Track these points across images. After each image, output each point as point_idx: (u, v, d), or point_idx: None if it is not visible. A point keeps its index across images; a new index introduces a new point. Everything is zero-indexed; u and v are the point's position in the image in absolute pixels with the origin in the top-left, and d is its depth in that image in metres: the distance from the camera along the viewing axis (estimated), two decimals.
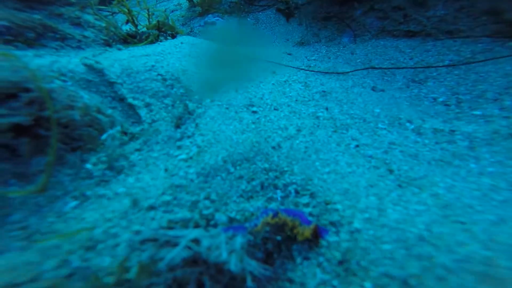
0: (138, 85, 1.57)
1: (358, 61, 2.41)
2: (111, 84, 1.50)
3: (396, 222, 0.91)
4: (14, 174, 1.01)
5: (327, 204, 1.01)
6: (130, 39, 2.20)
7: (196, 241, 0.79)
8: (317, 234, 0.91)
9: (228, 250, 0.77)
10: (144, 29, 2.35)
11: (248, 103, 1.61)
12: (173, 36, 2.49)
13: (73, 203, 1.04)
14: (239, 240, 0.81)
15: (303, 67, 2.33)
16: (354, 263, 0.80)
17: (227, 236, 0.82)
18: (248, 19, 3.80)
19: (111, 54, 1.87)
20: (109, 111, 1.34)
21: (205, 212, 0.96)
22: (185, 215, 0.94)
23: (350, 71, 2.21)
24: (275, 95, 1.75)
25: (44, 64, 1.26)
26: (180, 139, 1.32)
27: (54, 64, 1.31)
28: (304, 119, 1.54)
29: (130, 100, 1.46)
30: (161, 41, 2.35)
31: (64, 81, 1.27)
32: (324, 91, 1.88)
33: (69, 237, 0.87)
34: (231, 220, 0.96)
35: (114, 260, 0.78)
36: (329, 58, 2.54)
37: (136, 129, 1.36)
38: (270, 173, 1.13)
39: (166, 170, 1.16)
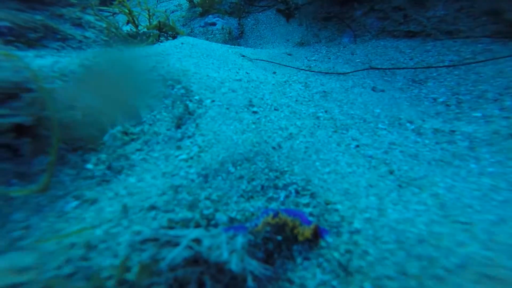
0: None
1: (358, 61, 2.41)
2: None
3: (396, 222, 0.91)
4: (15, 174, 1.01)
5: (327, 204, 1.01)
6: (130, 40, 2.20)
7: (197, 240, 0.79)
8: (317, 234, 0.91)
9: (229, 250, 0.78)
10: (145, 30, 2.36)
11: (248, 103, 1.61)
12: (174, 37, 2.50)
13: (74, 203, 1.04)
14: (240, 240, 0.81)
15: (303, 68, 2.34)
16: (353, 264, 0.80)
17: (228, 236, 0.82)
18: (248, 19, 3.80)
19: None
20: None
21: (205, 212, 0.97)
22: (185, 215, 0.94)
23: (350, 72, 2.22)
24: (275, 96, 1.75)
25: (46, 64, 1.26)
26: (181, 139, 1.33)
27: (56, 65, 1.32)
28: (305, 119, 1.55)
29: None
30: (161, 41, 2.36)
31: (65, 81, 1.28)
32: (324, 92, 1.88)
33: (70, 237, 0.87)
34: (231, 220, 0.96)
35: (115, 260, 0.78)
36: (329, 58, 2.55)
37: (136, 129, 1.36)
38: (271, 173, 1.13)
39: (166, 170, 1.16)
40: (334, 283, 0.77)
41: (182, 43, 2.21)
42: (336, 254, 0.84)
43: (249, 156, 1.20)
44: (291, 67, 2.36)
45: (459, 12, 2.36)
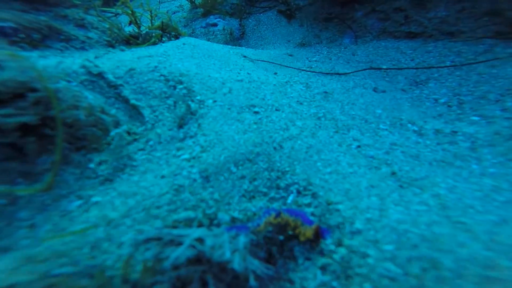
0: (141, 85, 1.59)
1: (359, 62, 2.41)
2: (114, 85, 1.51)
3: (398, 223, 0.91)
4: (20, 173, 1.02)
5: (328, 204, 1.01)
6: (132, 40, 2.22)
7: (200, 240, 0.80)
8: (319, 234, 0.92)
9: (231, 249, 0.78)
10: (147, 30, 2.37)
11: (249, 104, 1.62)
12: (176, 37, 2.51)
13: (78, 202, 1.05)
14: (242, 240, 0.82)
15: (304, 68, 2.34)
16: (354, 264, 0.80)
17: (230, 236, 0.83)
18: (250, 20, 3.81)
19: (114, 55, 1.89)
20: (113, 111, 1.36)
21: (208, 211, 0.97)
22: (188, 214, 0.95)
23: (351, 72, 2.22)
24: (276, 96, 1.76)
25: (50, 64, 1.27)
26: (183, 139, 1.33)
27: (60, 65, 1.33)
28: (306, 120, 1.55)
29: (133, 101, 1.48)
30: (164, 42, 2.37)
31: (69, 81, 1.29)
32: (325, 92, 1.89)
33: (75, 235, 0.88)
34: (233, 219, 0.97)
35: (119, 259, 0.79)
36: (330, 59, 2.55)
37: (139, 129, 1.37)
38: (272, 173, 1.14)
39: (169, 169, 1.17)
40: (335, 283, 0.78)
41: (183, 44, 2.22)
42: (337, 255, 0.85)
43: (251, 156, 1.21)
44: (292, 67, 2.36)
45: (461, 13, 2.36)
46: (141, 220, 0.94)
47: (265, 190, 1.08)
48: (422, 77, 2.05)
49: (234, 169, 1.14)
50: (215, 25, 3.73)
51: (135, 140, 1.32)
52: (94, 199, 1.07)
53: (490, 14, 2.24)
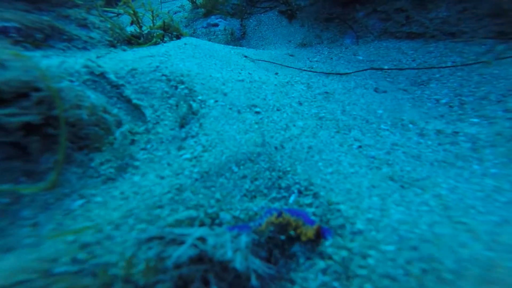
0: (143, 85, 1.59)
1: (360, 62, 2.41)
2: (116, 85, 1.52)
3: (399, 223, 0.91)
4: (24, 172, 1.03)
5: (330, 204, 1.01)
6: (134, 40, 2.22)
7: (202, 239, 0.80)
8: (320, 234, 0.92)
9: (233, 249, 0.79)
10: (149, 30, 2.38)
11: (251, 104, 1.62)
12: (178, 37, 2.51)
13: (80, 201, 1.05)
14: (244, 239, 0.82)
15: (305, 69, 2.34)
16: (355, 265, 0.80)
17: (232, 235, 0.83)
18: (251, 20, 3.82)
19: (116, 55, 1.90)
20: (115, 111, 1.36)
21: (209, 211, 0.98)
22: (190, 213, 0.95)
23: (352, 72, 2.22)
24: (277, 96, 1.76)
25: (53, 64, 1.28)
26: (185, 139, 1.34)
27: (62, 65, 1.34)
28: (307, 120, 1.55)
29: (135, 101, 1.48)
30: (165, 41, 2.38)
31: (71, 81, 1.30)
32: (326, 92, 1.89)
33: (77, 234, 0.88)
34: (235, 219, 0.97)
35: (121, 257, 0.79)
36: (331, 59, 2.55)
37: (141, 128, 1.38)
38: (274, 173, 1.14)
39: (171, 169, 1.17)
40: (335, 284, 0.78)
41: (185, 44, 2.23)
42: (338, 255, 0.85)
43: (252, 156, 1.21)
44: (293, 68, 2.37)
45: (462, 14, 2.36)
46: (143, 219, 0.94)
47: (266, 190, 1.08)
48: (424, 78, 2.05)
49: (235, 169, 1.14)
50: (216, 25, 3.73)
51: (137, 139, 1.33)
52: (96, 198, 1.08)
53: (492, 15, 2.24)
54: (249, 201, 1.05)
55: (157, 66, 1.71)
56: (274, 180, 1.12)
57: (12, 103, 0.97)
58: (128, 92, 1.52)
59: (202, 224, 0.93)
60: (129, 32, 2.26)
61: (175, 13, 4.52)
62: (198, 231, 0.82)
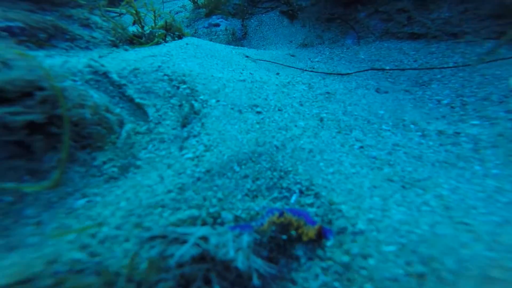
0: (145, 85, 1.60)
1: (361, 63, 2.42)
2: (118, 85, 1.53)
3: (400, 223, 0.91)
4: (27, 170, 1.04)
5: (331, 204, 1.02)
6: (136, 40, 2.23)
7: (204, 238, 0.81)
8: (321, 234, 0.92)
9: (235, 248, 0.79)
10: (151, 30, 2.38)
11: (252, 104, 1.63)
12: (179, 37, 2.52)
13: (83, 199, 1.06)
14: (246, 239, 0.82)
15: (306, 69, 2.35)
16: (356, 265, 0.80)
17: (234, 234, 0.84)
18: (252, 20, 3.82)
19: (118, 54, 1.91)
20: (117, 110, 1.37)
21: (211, 210, 0.98)
22: (192, 212, 0.96)
23: (353, 72, 2.23)
24: (279, 96, 1.76)
25: (56, 64, 1.29)
26: (187, 138, 1.34)
27: (65, 64, 1.34)
28: (308, 120, 1.56)
29: (137, 100, 1.49)
30: (167, 41, 2.39)
31: (74, 80, 1.30)
32: (328, 93, 1.89)
33: (80, 233, 0.89)
34: (237, 218, 0.97)
35: (124, 256, 0.80)
36: (333, 59, 2.56)
37: (143, 128, 1.39)
38: (275, 173, 1.15)
39: (173, 168, 1.18)
40: (336, 284, 0.78)
41: (186, 44, 2.23)
42: (339, 255, 0.85)
43: (254, 155, 1.21)
44: (294, 67, 2.37)
45: (464, 14, 2.36)
46: (146, 218, 0.95)
47: (268, 189, 1.09)
48: (425, 78, 2.05)
49: (237, 169, 1.15)
50: (217, 25, 3.74)
51: (139, 139, 1.33)
52: (99, 197, 1.08)
53: (494, 16, 2.23)
54: (251, 200, 1.05)
55: (159, 66, 1.72)
56: (275, 180, 1.12)
57: (17, 102, 0.98)
58: (130, 91, 1.53)
59: (204, 223, 0.94)
60: (131, 32, 2.26)
61: (177, 13, 4.53)
62: (200, 230, 0.82)
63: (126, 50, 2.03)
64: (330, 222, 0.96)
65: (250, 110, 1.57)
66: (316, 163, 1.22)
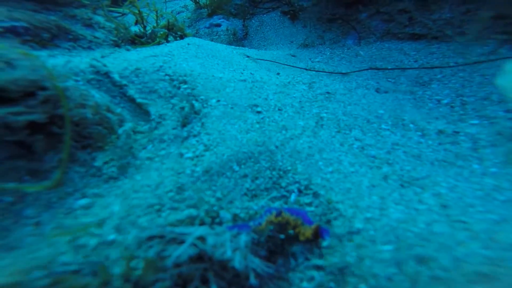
0: (146, 85, 1.61)
1: (362, 63, 2.41)
2: (120, 85, 1.54)
3: (398, 222, 0.92)
4: (28, 170, 1.05)
5: (329, 203, 1.02)
6: (138, 40, 2.25)
7: (202, 238, 0.81)
8: (318, 234, 0.92)
9: (232, 248, 0.79)
10: (153, 29, 2.40)
11: (252, 104, 1.63)
12: (181, 37, 2.54)
13: (83, 199, 1.07)
14: (243, 238, 0.83)
15: (306, 68, 2.35)
16: (352, 265, 0.80)
17: (231, 234, 0.84)
18: (253, 20, 3.83)
19: (120, 54, 1.92)
20: (118, 110, 1.38)
21: (210, 209, 0.99)
22: (190, 212, 0.97)
23: (352, 72, 2.23)
24: (279, 96, 1.77)
25: (59, 63, 1.30)
26: (187, 138, 1.35)
27: (68, 64, 1.36)
28: (308, 120, 1.56)
29: (138, 100, 1.50)
30: (169, 41, 2.40)
31: (76, 80, 1.32)
32: (328, 92, 1.90)
33: (79, 233, 0.90)
34: (235, 218, 0.98)
35: (122, 256, 0.81)
36: (333, 60, 2.56)
37: (144, 127, 1.40)
38: (274, 172, 1.15)
39: (172, 168, 1.19)
40: (332, 285, 0.78)
41: (188, 44, 2.25)
42: (335, 256, 0.85)
43: (253, 155, 1.22)
44: (295, 67, 2.37)
45: (465, 15, 2.35)
46: (144, 218, 0.96)
47: (266, 189, 1.09)
48: (425, 78, 2.05)
49: (236, 168, 1.16)
50: (218, 25, 3.75)
51: (139, 138, 1.35)
52: (99, 197, 1.09)
53: (495, 17, 2.22)
54: (250, 200, 1.06)
55: (161, 66, 1.73)
56: (274, 179, 1.13)
57: (19, 102, 0.99)
58: (131, 91, 1.54)
59: (202, 223, 0.94)
60: (134, 32, 2.28)
61: (178, 13, 4.55)
62: (198, 230, 0.83)
63: (128, 50, 2.05)
64: (328, 221, 0.97)
65: (250, 110, 1.58)
66: (315, 162, 1.22)
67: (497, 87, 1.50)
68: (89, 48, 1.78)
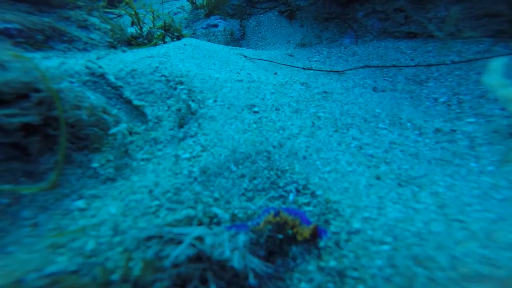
0: (143, 86, 1.60)
1: (359, 62, 2.42)
2: (115, 86, 1.53)
3: (395, 221, 0.92)
4: (23, 172, 1.04)
5: (327, 203, 1.02)
6: (134, 41, 2.24)
7: (200, 238, 0.81)
8: (316, 234, 0.92)
9: (231, 248, 0.79)
10: (149, 30, 2.39)
11: (249, 104, 1.63)
12: (178, 38, 2.53)
13: (80, 201, 1.06)
14: (242, 238, 0.83)
15: (303, 68, 2.35)
16: (350, 265, 0.80)
17: (230, 234, 0.84)
18: (250, 21, 3.83)
19: (116, 55, 1.91)
20: (114, 111, 1.37)
21: (208, 210, 0.98)
22: (188, 212, 0.96)
23: (347, 70, 2.23)
24: (276, 96, 1.77)
25: (53, 65, 1.29)
26: (184, 139, 1.35)
27: (62, 66, 1.35)
28: (305, 119, 1.56)
29: (135, 102, 1.49)
30: (166, 42, 2.39)
31: (71, 82, 1.31)
32: (325, 92, 1.90)
33: (76, 234, 0.89)
34: (233, 218, 0.98)
35: (120, 256, 0.80)
36: (330, 59, 2.56)
37: (140, 128, 1.39)
38: (272, 172, 1.15)
39: (169, 168, 1.18)
40: (330, 285, 0.78)
41: (184, 45, 2.24)
42: (333, 256, 0.85)
43: (251, 155, 1.22)
44: (292, 66, 2.37)
45: (460, 13, 2.36)
46: (142, 218, 0.95)
47: (264, 189, 1.09)
48: (422, 77, 2.05)
49: (234, 168, 1.15)
50: (215, 26, 3.75)
51: (136, 139, 1.34)
52: (96, 198, 1.09)
53: (490, 15, 2.24)
54: (248, 200, 1.06)
55: (157, 67, 1.72)
56: (272, 179, 1.13)
57: (12, 104, 0.98)
58: (127, 93, 1.53)
59: (200, 223, 0.94)
60: (130, 33, 2.27)
61: (175, 14, 4.53)
62: (196, 231, 0.83)
63: (124, 51, 2.04)
64: (326, 221, 0.97)
65: (247, 110, 1.57)
66: (313, 162, 1.22)
67: (484, 85, 1.51)
68: (85, 49, 1.77)
